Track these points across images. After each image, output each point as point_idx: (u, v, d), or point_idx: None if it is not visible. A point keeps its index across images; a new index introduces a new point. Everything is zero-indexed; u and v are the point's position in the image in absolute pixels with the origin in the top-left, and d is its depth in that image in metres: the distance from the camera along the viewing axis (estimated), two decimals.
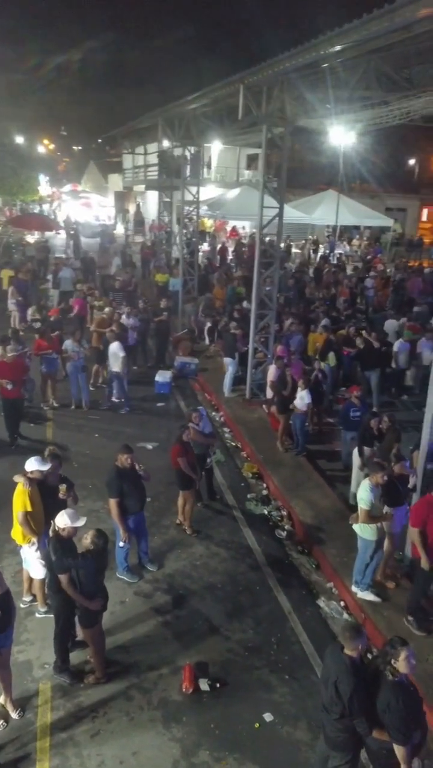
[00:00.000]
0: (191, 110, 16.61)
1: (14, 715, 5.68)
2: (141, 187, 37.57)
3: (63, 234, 34.24)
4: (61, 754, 5.36)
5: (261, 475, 10.47)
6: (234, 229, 33.23)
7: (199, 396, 14.24)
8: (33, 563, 6.71)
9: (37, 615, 6.89)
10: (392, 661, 4.25)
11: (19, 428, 11.00)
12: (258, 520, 9.18)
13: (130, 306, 15.52)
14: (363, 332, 13.16)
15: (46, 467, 6.73)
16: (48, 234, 32.21)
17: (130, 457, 7.34)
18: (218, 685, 6.08)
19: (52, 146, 78.37)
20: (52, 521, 5.96)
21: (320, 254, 30.14)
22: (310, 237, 32.73)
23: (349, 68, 9.62)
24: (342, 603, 7.47)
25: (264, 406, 12.81)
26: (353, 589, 7.38)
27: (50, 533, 5.91)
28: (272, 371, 12.02)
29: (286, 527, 9.01)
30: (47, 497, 6.69)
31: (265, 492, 10.00)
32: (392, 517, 7.22)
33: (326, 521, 8.87)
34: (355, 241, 34.38)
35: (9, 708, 5.70)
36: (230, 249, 29.07)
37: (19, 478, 6.61)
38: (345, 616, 7.27)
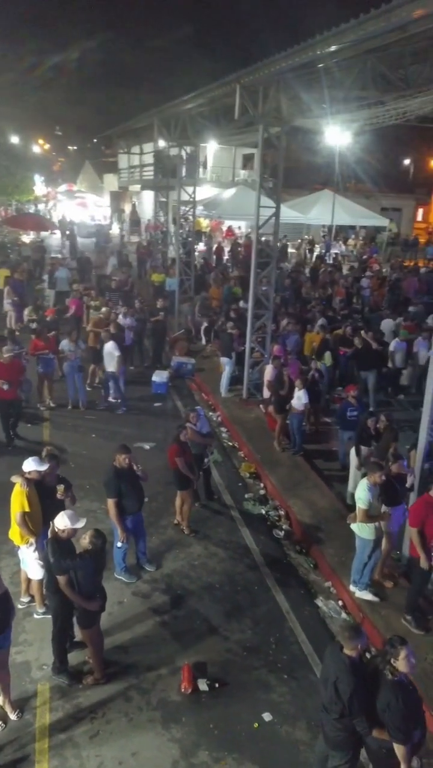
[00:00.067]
0: (187, 110, 16.60)
1: (13, 716, 5.67)
2: (137, 187, 37.53)
3: (58, 234, 34.20)
4: (60, 755, 5.35)
5: (259, 475, 10.48)
6: (230, 228, 33.23)
7: (196, 396, 14.23)
8: (31, 564, 6.70)
9: (35, 616, 6.87)
10: (392, 660, 4.26)
11: (17, 429, 10.98)
12: (256, 520, 9.18)
13: (126, 306, 15.50)
14: (362, 333, 13.15)
15: (43, 468, 6.72)
16: (43, 234, 32.16)
17: (128, 457, 7.33)
18: (216, 685, 6.08)
19: (47, 146, 78.18)
20: (51, 522, 5.95)
21: (316, 254, 30.18)
22: (306, 237, 32.77)
23: (345, 68, 9.62)
24: (340, 602, 7.48)
25: (261, 405, 12.81)
26: (351, 588, 7.39)
27: (49, 534, 5.89)
28: (268, 371, 12.02)
29: (284, 527, 9.02)
30: (45, 498, 6.68)
31: (262, 492, 10.00)
32: (389, 517, 7.23)
33: (324, 521, 8.88)
34: (351, 241, 34.41)
35: (7, 709, 5.68)
36: (226, 249, 29.06)
37: (16, 479, 6.59)
38: (343, 615, 7.28)
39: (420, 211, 45.60)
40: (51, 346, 12.32)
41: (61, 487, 6.72)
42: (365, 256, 29.45)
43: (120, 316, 14.40)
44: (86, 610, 5.79)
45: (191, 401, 13.59)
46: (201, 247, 27.93)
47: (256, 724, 5.71)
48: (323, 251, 29.65)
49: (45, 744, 5.43)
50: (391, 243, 34.54)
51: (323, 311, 15.95)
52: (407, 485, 7.62)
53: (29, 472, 6.63)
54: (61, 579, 5.62)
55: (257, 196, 12.44)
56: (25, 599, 7.02)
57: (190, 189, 18.81)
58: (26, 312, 16.23)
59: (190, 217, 19.68)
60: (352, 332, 13.72)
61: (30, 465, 6.66)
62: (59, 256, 25.71)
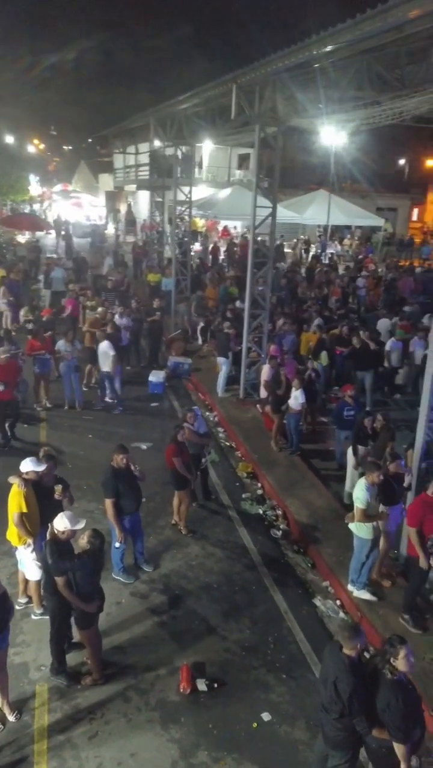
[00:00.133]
0: (183, 110, 16.59)
1: (11, 717, 5.65)
2: (132, 187, 37.49)
3: (53, 234, 34.13)
4: (59, 756, 5.33)
5: (256, 475, 10.48)
6: (226, 228, 33.24)
7: (193, 396, 14.23)
8: (28, 565, 6.68)
9: (33, 617, 6.86)
10: (391, 660, 4.27)
11: (15, 430, 10.94)
12: (253, 520, 9.18)
13: (122, 306, 15.48)
14: (360, 333, 13.18)
15: (41, 468, 6.71)
16: (38, 234, 32.09)
17: (125, 457, 7.32)
18: (215, 685, 6.07)
19: (42, 146, 78.03)
20: (49, 524, 5.93)
21: (311, 254, 30.20)
22: (301, 237, 32.80)
23: (341, 68, 9.63)
24: (338, 602, 7.49)
25: (258, 405, 12.82)
26: (349, 587, 7.40)
27: (48, 536, 5.86)
28: (265, 371, 12.03)
29: (281, 527, 9.02)
30: (43, 498, 6.67)
31: (260, 491, 10.01)
32: (387, 516, 7.24)
33: (322, 520, 8.89)
34: (346, 241, 34.47)
35: (6, 711, 5.66)
36: (222, 249, 29.06)
37: (14, 479, 6.57)
38: (341, 615, 7.29)
39: (415, 211, 45.75)
40: (47, 347, 12.29)
41: (59, 488, 6.71)
42: (360, 256, 29.50)
43: (116, 316, 14.39)
44: (84, 611, 5.77)
45: (188, 401, 13.58)
46: (197, 247, 27.91)
47: (255, 724, 5.71)
48: (319, 251, 29.68)
49: (44, 745, 5.41)
50: (386, 243, 34.60)
51: (319, 311, 15.97)
52: (405, 485, 7.63)
53: (27, 473, 6.62)
54: (60, 580, 5.61)
55: (253, 196, 12.44)
56: (22, 600, 7.00)
57: (186, 189, 18.79)
58: (22, 312, 16.17)
59: (186, 217, 19.65)
60: (348, 332, 13.75)
61: (27, 465, 6.64)
62: (54, 256, 25.63)
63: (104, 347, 12.40)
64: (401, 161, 48.32)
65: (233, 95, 11.87)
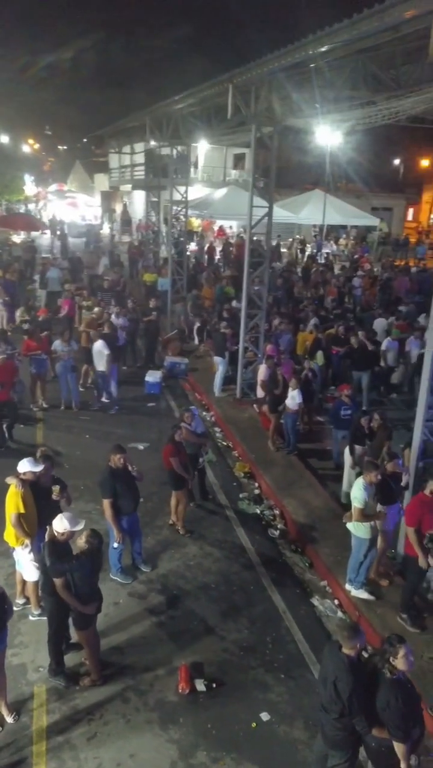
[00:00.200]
0: (179, 109, 16.57)
1: (9, 719, 5.63)
2: (128, 187, 37.44)
3: (48, 234, 34.06)
4: (58, 757, 5.32)
5: (253, 475, 10.48)
6: (221, 228, 33.24)
7: (190, 396, 14.22)
8: (26, 565, 6.66)
9: (30, 618, 6.84)
10: (391, 659, 4.27)
11: (12, 431, 10.90)
12: (251, 520, 9.18)
13: (119, 306, 15.46)
14: (359, 333, 13.19)
15: (38, 468, 6.69)
16: (33, 234, 32.02)
17: (123, 458, 7.30)
18: (214, 685, 6.07)
19: (36, 146, 77.80)
20: (48, 526, 5.91)
21: (307, 254, 30.23)
22: (297, 236, 32.82)
23: (336, 68, 9.64)
24: (336, 601, 7.50)
25: (255, 405, 12.82)
26: (347, 587, 7.41)
27: (47, 537, 5.84)
28: (262, 371, 12.04)
29: (279, 526, 9.02)
30: (40, 499, 6.66)
31: (257, 491, 10.01)
32: (385, 516, 7.25)
33: (319, 520, 8.90)
34: (342, 241, 34.52)
35: (4, 712, 5.65)
36: (218, 249, 29.06)
37: (11, 480, 6.56)
38: (339, 614, 7.30)
39: (410, 211, 45.83)
40: (44, 347, 12.26)
41: (56, 488, 6.70)
42: (356, 256, 29.56)
43: (113, 316, 14.37)
44: (82, 612, 5.76)
45: (185, 401, 13.57)
46: (193, 246, 27.90)
47: (254, 724, 5.71)
48: (315, 251, 29.72)
49: (42, 746, 5.40)
50: (382, 242, 34.69)
51: (315, 311, 15.99)
52: (402, 484, 7.64)
53: (24, 473, 6.59)
54: (58, 582, 5.59)
55: (249, 195, 12.45)
56: (20, 601, 6.98)
57: (182, 189, 18.78)
58: (18, 313, 16.15)
59: (182, 217, 19.64)
60: (344, 332, 13.77)
61: (25, 466, 6.62)
62: (50, 256, 25.58)
63: (98, 346, 12.38)
64: (396, 161, 48.40)
65: (230, 95, 11.88)
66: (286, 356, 12.97)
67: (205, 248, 28.71)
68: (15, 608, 6.73)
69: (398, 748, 4.15)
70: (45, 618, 6.23)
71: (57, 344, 12.35)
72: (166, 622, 6.97)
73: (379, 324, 15.54)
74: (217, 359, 13.65)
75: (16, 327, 15.57)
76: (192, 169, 29.22)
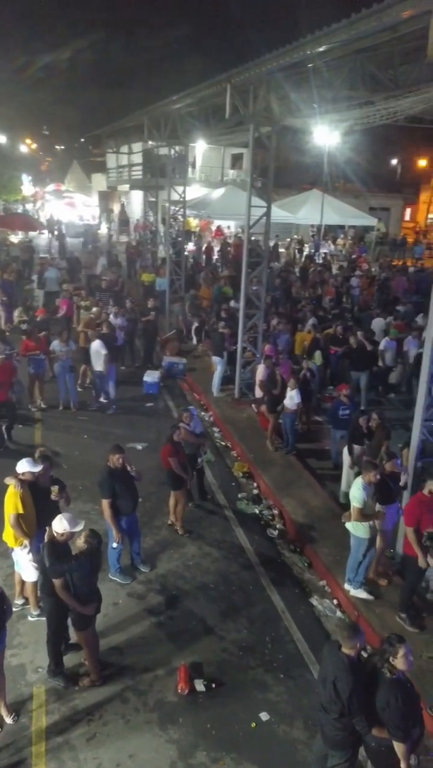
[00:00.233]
0: (177, 109, 16.56)
1: (8, 719, 5.62)
2: (125, 187, 37.41)
3: (46, 234, 34.04)
4: (57, 758, 5.31)
5: (252, 475, 10.48)
6: (219, 228, 33.24)
7: (188, 396, 14.22)
8: (25, 566, 6.65)
9: (29, 618, 6.83)
10: (390, 659, 4.27)
11: (11, 432, 10.88)
12: (250, 520, 9.18)
13: (117, 306, 15.45)
14: (358, 334, 13.20)
15: (37, 469, 6.67)
16: (31, 234, 32.00)
17: (121, 458, 7.30)
18: (213, 685, 6.07)
19: (34, 146, 77.72)
20: (47, 527, 5.90)
21: (305, 254, 30.25)
22: (295, 236, 32.84)
23: (334, 68, 9.63)
24: (335, 601, 7.50)
25: (253, 405, 12.82)
26: (346, 587, 7.41)
27: (46, 538, 5.83)
28: (260, 370, 12.03)
29: (277, 526, 9.03)
30: (39, 499, 6.64)
31: (256, 491, 10.01)
32: (384, 516, 7.26)
33: (318, 520, 8.90)
34: (340, 241, 34.56)
35: (3, 713, 5.64)
36: (216, 249, 29.07)
37: (10, 480, 6.54)
38: (338, 614, 7.30)
39: (408, 211, 45.91)
40: (42, 347, 12.25)
41: (55, 488, 6.68)
42: (354, 256, 29.58)
43: (111, 316, 14.36)
44: (81, 613, 5.75)
45: (183, 401, 13.56)
46: (191, 246, 27.91)
47: (253, 724, 5.71)
48: (313, 251, 29.73)
49: (42, 747, 5.39)
50: (379, 242, 34.72)
51: (313, 311, 16.00)
52: (401, 484, 7.64)
53: (23, 474, 6.58)
54: (57, 582, 5.58)
55: (247, 195, 12.44)
56: (19, 601, 6.97)
57: (180, 188, 18.77)
58: (16, 313, 16.11)
59: (180, 217, 19.63)
60: (343, 331, 13.78)
61: (23, 466, 6.61)
62: (47, 256, 25.56)
63: (96, 346, 12.38)
64: (394, 161, 48.48)
65: (228, 95, 11.86)
66: (284, 356, 12.97)
67: (203, 248, 28.71)
68: (14, 609, 6.72)
69: (398, 747, 4.15)
70: (44, 618, 6.23)
71: (55, 344, 12.34)
72: (166, 622, 6.96)
73: (377, 324, 15.56)
74: (215, 359, 13.65)
75: (15, 327, 15.54)
76: (190, 169, 29.23)
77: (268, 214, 12.61)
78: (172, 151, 18.66)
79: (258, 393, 12.33)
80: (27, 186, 56.98)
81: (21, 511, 6.44)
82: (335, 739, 4.48)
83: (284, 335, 14.26)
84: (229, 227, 33.36)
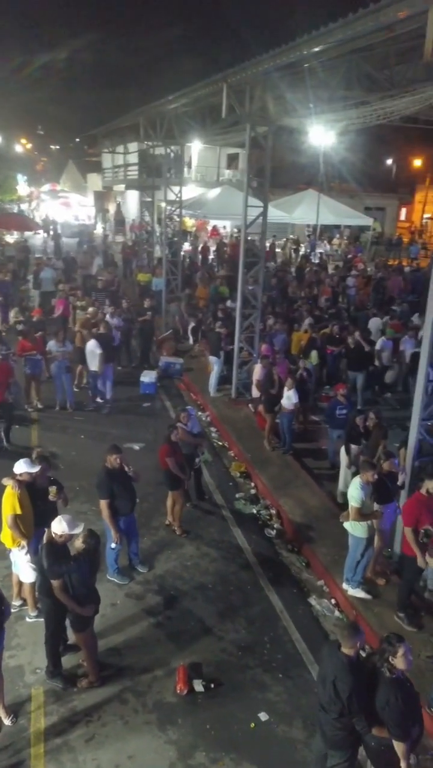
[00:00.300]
0: (173, 109, 16.55)
1: (7, 721, 5.60)
2: (121, 187, 37.37)
3: (41, 234, 33.96)
4: (56, 759, 5.30)
5: (249, 475, 10.48)
6: (215, 228, 33.24)
7: (185, 396, 14.20)
8: (22, 567, 6.63)
9: (27, 619, 6.81)
10: (390, 658, 4.27)
11: (10, 434, 10.83)
12: (247, 520, 9.18)
13: (113, 306, 15.42)
14: (355, 334, 13.22)
15: (35, 469, 6.66)
16: (27, 234, 31.93)
17: (119, 458, 7.29)
18: (212, 685, 6.06)
19: (29, 145, 77.62)
20: (44, 527, 5.88)
21: (301, 253, 30.28)
22: (291, 236, 32.87)
23: (330, 68, 9.64)
24: (333, 601, 7.50)
25: (250, 405, 12.82)
26: (344, 586, 7.41)
27: (45, 539, 5.81)
28: (257, 370, 12.03)
29: (275, 526, 9.02)
30: (36, 500, 6.63)
31: (253, 491, 10.01)
32: (381, 515, 7.26)
33: (315, 519, 8.90)
34: (335, 241, 34.61)
35: (2, 714, 5.61)
36: (212, 248, 29.07)
37: (7, 481, 6.52)
38: (336, 613, 7.30)
39: (403, 211, 46.01)
40: (38, 347, 12.21)
41: (53, 489, 6.66)
42: (349, 256, 29.62)
43: (107, 316, 14.33)
44: (80, 614, 5.74)
45: (180, 401, 13.55)
46: (187, 246, 27.91)
47: (252, 724, 5.71)
48: (308, 251, 29.75)
49: (40, 749, 5.38)
50: (375, 242, 34.78)
51: (309, 310, 16.02)
52: (399, 483, 7.65)
53: (20, 474, 6.57)
54: (56, 584, 5.57)
55: (244, 195, 12.44)
56: (16, 603, 6.94)
57: (176, 188, 18.75)
58: (12, 313, 16.07)
59: (176, 217, 19.61)
60: (339, 331, 13.80)
61: (21, 467, 6.60)
62: (43, 256, 25.51)
63: (91, 346, 12.36)
64: (389, 161, 48.59)
65: (224, 94, 11.85)
66: (281, 356, 12.97)
67: (199, 248, 28.71)
68: (12, 610, 6.71)
69: (398, 747, 4.15)
70: (42, 620, 6.21)
71: (52, 345, 12.31)
72: (164, 622, 6.96)
73: (374, 323, 15.58)
74: (212, 359, 13.64)
75: (10, 327, 15.49)
76: (185, 169, 29.23)
77: (265, 213, 12.61)
78: (169, 151, 18.64)
79: (255, 393, 12.33)
80: (22, 186, 56.91)
81: (19, 511, 6.42)
82: (334, 738, 4.48)
83: (281, 335, 14.27)
84: (225, 227, 33.37)
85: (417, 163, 46.85)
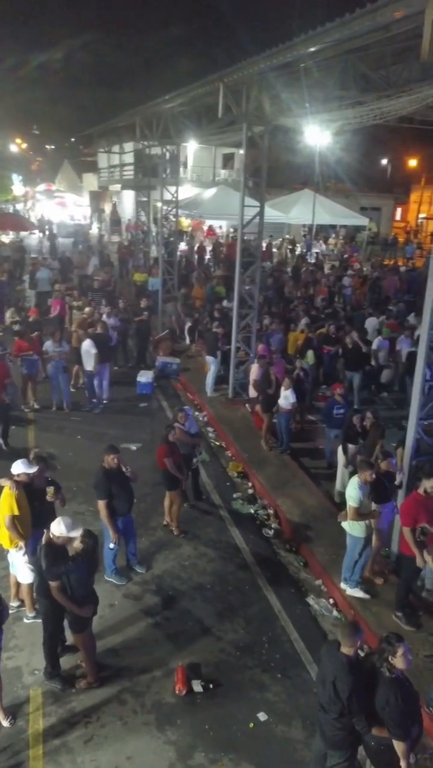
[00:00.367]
0: (169, 109, 16.54)
1: (5, 723, 5.58)
2: (117, 187, 37.31)
3: (36, 234, 33.89)
4: (55, 761, 5.28)
5: (246, 474, 10.47)
6: (211, 228, 33.23)
7: (182, 396, 14.19)
8: (20, 568, 6.61)
9: (25, 620, 6.78)
10: (390, 658, 4.28)
11: (7, 438, 10.80)
12: (245, 519, 9.17)
13: (109, 306, 15.40)
14: (353, 334, 13.23)
15: (32, 470, 6.64)
16: (22, 234, 31.86)
17: (116, 458, 7.27)
18: (211, 686, 6.05)
19: (24, 145, 77.38)
20: (42, 527, 5.86)
21: (297, 253, 30.30)
22: (287, 236, 32.89)
23: (325, 68, 9.65)
24: (331, 600, 7.50)
25: (247, 405, 12.82)
26: (342, 586, 7.41)
27: (43, 540, 5.79)
28: (254, 370, 12.04)
29: (273, 526, 9.02)
30: (34, 500, 6.60)
31: (251, 491, 10.00)
32: (379, 514, 7.27)
33: (313, 519, 8.90)
34: (331, 240, 34.65)
35: (0, 716, 5.60)
36: (208, 248, 29.06)
37: (5, 482, 6.50)
38: (334, 613, 7.30)
39: (399, 211, 46.14)
40: (35, 347, 12.18)
41: (50, 490, 6.64)
42: (345, 255, 29.67)
43: (104, 316, 14.31)
44: (78, 615, 5.72)
45: (177, 401, 13.54)
46: (183, 246, 27.90)
47: (251, 724, 5.70)
48: (305, 250, 29.78)
49: (39, 750, 5.36)
50: (371, 242, 34.85)
51: (306, 310, 16.03)
52: (396, 483, 7.66)
53: (18, 475, 6.55)
54: (54, 585, 5.55)
55: (241, 195, 12.44)
56: (14, 604, 6.92)
57: (172, 188, 18.74)
58: (8, 313, 16.04)
59: (172, 217, 19.59)
60: (335, 331, 13.82)
61: (19, 467, 6.58)
62: (38, 256, 25.46)
63: (86, 346, 12.35)
64: (384, 161, 48.69)
65: (220, 94, 11.86)
66: (278, 356, 12.98)
67: (195, 248, 28.70)
68: (9, 611, 6.69)
69: (398, 746, 4.15)
70: (40, 621, 6.18)
71: (48, 345, 12.29)
72: (162, 623, 6.94)
73: (370, 323, 15.61)
74: (209, 359, 13.63)
75: (6, 328, 15.47)
76: (181, 169, 29.21)
77: (261, 213, 12.61)
78: (165, 151, 18.61)
79: (252, 393, 12.33)
80: (17, 186, 56.76)
81: (16, 512, 6.39)
82: (334, 738, 4.47)
83: (277, 335, 14.28)
84: (221, 227, 33.37)
85: (413, 163, 46.96)
